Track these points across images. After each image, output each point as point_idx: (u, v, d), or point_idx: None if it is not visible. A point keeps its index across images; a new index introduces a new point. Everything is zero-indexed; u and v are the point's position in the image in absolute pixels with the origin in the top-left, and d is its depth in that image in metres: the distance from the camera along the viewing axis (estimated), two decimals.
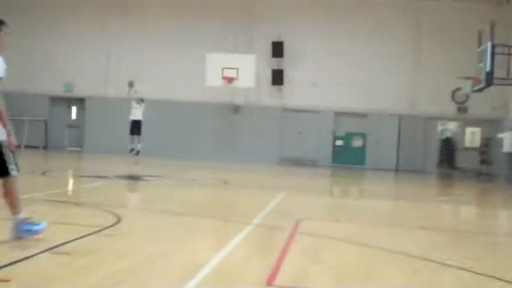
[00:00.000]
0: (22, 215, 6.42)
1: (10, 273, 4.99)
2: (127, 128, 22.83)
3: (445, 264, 6.41)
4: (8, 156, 6.23)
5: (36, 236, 6.63)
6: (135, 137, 22.77)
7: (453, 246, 8.18)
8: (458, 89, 26.34)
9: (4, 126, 6.24)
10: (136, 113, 22.80)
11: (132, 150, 22.50)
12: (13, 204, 6.41)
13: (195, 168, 21.01)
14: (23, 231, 6.40)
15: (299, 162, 27.21)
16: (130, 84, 22.75)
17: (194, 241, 7.07)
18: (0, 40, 6.50)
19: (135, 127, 22.65)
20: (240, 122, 27.59)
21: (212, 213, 9.70)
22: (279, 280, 5.35)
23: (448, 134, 32.91)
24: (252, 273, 5.55)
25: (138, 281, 5.11)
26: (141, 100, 23.06)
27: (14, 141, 6.29)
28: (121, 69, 27.59)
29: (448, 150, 32.02)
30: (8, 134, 6.25)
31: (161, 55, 27.53)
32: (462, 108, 27.06)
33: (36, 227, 6.48)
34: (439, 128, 29.60)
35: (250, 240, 7.60)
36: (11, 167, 6.25)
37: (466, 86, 24.56)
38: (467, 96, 26.47)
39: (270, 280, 5.31)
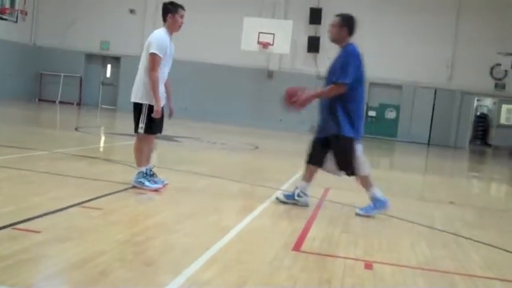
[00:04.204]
0: (142, 169, 7.23)
1: (41, 224, 5.08)
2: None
3: (473, 240, 6.37)
4: (142, 117, 7.10)
5: (68, 190, 6.76)
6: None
7: (483, 223, 8.11)
8: (497, 64, 25.79)
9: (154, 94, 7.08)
10: None
11: None
12: (135, 157, 7.33)
13: (226, 132, 21.04)
14: (136, 182, 7.22)
15: None
16: None
17: (222, 204, 7.11)
18: (175, 21, 7.30)
19: None
20: (273, 88, 27.38)
21: (241, 177, 9.73)
22: (305, 246, 5.37)
23: (484, 110, 32.49)
24: (279, 238, 5.57)
25: (166, 239, 5.16)
26: None
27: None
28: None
29: (483, 126, 31.65)
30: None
31: (198, 17, 27.34)
32: (500, 85, 26.49)
33: (147, 183, 7.19)
34: (475, 103, 29.15)
35: (278, 205, 7.61)
36: (141, 125, 7.13)
37: (506, 62, 24.06)
38: (506, 73, 25.93)
39: (297, 246, 5.33)
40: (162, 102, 7.24)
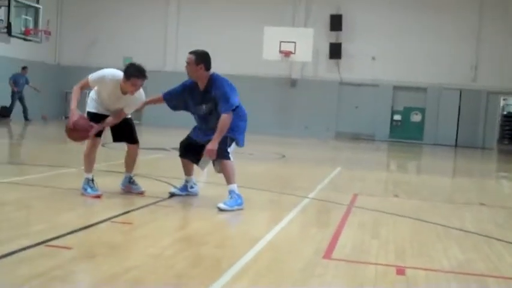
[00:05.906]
0: (90, 175, 7.45)
1: (72, 240, 5.12)
2: None
3: (506, 242, 6.28)
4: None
5: (98, 206, 6.80)
6: None
7: None
8: None
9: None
10: None
11: None
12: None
13: (252, 142, 20.86)
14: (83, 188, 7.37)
15: (356, 137, 26.98)
16: None
17: (252, 214, 7.09)
18: (126, 86, 7.58)
19: None
20: (297, 96, 27.44)
21: (270, 186, 9.71)
22: (336, 253, 5.34)
23: (510, 109, 32.11)
24: (309, 246, 5.55)
25: (196, 251, 5.17)
26: None
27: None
28: (179, 43, 27.73)
29: (510, 125, 31.27)
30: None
31: (219, 29, 27.49)
32: None
33: (89, 190, 7.30)
34: (501, 102, 28.84)
35: (307, 213, 7.59)
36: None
37: None
38: None
39: (327, 253, 5.30)
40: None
